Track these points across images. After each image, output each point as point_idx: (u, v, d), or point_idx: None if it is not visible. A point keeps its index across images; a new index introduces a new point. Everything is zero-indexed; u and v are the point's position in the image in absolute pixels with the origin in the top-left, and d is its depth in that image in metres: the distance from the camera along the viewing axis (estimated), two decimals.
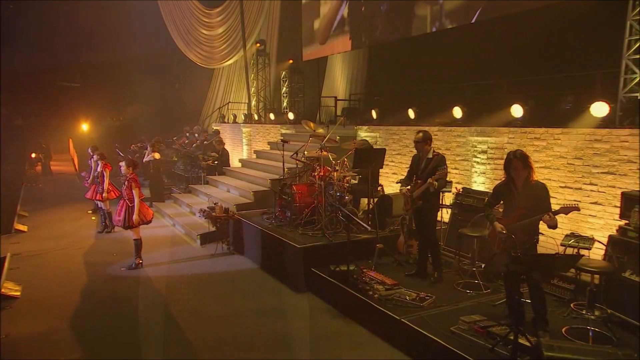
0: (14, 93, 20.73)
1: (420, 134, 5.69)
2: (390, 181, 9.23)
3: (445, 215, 6.95)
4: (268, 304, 6.06)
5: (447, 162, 5.71)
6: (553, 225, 4.11)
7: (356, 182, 8.15)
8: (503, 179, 4.51)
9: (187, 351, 4.84)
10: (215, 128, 18.64)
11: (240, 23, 19.11)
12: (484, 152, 7.47)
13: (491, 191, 6.69)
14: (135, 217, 7.05)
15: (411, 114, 9.24)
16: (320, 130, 8.35)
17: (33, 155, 20.22)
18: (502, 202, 4.63)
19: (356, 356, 4.73)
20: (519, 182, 4.33)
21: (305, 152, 8.18)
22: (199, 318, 5.60)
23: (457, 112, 8.17)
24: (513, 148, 7.25)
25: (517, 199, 4.33)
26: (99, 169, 9.74)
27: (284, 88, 17.71)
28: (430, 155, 5.69)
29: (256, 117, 17.46)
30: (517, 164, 4.26)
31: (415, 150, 5.85)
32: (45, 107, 23.09)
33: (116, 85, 24.24)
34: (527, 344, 3.82)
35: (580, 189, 6.11)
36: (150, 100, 25.30)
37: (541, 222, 4.25)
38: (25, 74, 21.46)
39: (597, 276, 4.42)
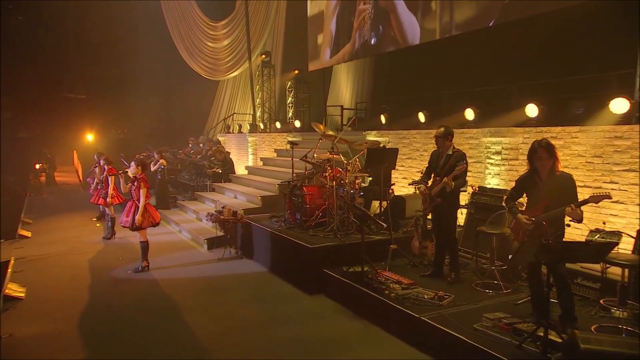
0: (19, 104, 20.78)
1: (442, 129, 5.57)
2: (400, 185, 9.07)
3: (459, 216, 6.78)
4: (280, 307, 5.84)
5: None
6: (578, 219, 3.93)
7: (366, 184, 8.00)
8: (526, 170, 4.36)
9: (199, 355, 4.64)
10: (217, 138, 18.59)
11: (245, 35, 19.21)
12: (498, 153, 7.33)
13: (508, 188, 6.59)
14: (138, 217, 6.89)
15: (421, 117, 9.13)
16: (331, 132, 8.24)
17: (37, 166, 20.17)
18: (525, 195, 4.47)
19: (375, 357, 4.52)
20: (543, 173, 4.17)
21: (315, 155, 8.07)
22: (210, 322, 5.39)
23: (469, 113, 8.06)
24: (528, 148, 7.21)
25: (541, 190, 4.17)
26: (104, 173, 9.62)
27: (290, 98, 17.69)
28: (450, 152, 5.55)
29: (262, 126, 17.42)
30: (542, 153, 4.11)
31: (436, 146, 5.71)
32: (50, 119, 23.13)
33: (121, 97, 24.32)
34: (558, 339, 3.63)
35: (600, 187, 5.95)
36: (155, 112, 25.36)
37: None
38: (31, 85, 21.54)
39: (626, 271, 4.24)
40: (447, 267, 5.85)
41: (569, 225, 3.96)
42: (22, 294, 6.09)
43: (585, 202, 3.85)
